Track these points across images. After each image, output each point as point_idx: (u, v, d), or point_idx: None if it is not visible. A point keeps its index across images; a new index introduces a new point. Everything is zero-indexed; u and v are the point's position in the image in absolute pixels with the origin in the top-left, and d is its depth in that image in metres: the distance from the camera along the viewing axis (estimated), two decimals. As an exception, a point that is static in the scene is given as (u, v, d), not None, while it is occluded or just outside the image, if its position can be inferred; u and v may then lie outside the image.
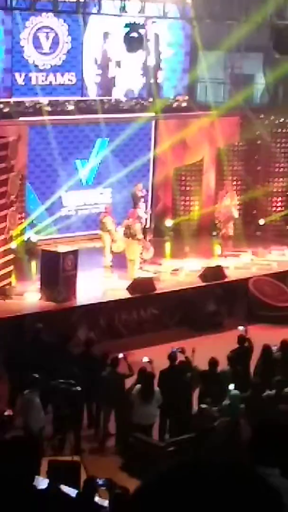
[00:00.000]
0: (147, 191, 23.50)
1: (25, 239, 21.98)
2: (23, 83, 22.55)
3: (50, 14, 22.27)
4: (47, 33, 22.76)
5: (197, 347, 14.94)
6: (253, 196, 25.85)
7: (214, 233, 24.70)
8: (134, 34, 21.17)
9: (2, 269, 18.93)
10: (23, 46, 22.41)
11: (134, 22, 21.32)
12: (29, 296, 18.79)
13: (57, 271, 18.48)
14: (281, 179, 26.02)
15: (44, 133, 22.76)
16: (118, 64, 24.01)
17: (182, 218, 24.90)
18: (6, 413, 12.88)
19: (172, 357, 14.53)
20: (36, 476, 8.08)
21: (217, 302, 20.59)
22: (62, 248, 19.16)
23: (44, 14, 22.27)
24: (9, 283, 19.12)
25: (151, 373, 13.98)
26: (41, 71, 22.81)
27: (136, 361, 14.81)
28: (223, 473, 2.15)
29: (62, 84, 23.27)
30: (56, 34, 22.92)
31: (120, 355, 14.58)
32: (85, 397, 13.97)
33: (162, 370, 14.27)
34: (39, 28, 22.59)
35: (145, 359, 14.36)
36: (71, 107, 23.33)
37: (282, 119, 25.95)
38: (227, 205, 24.62)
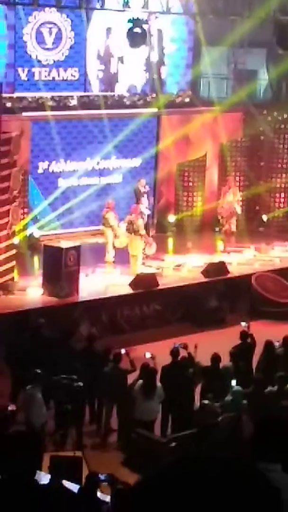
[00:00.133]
0: (150, 187, 23.48)
1: (28, 234, 21.99)
2: (26, 79, 22.54)
3: (53, 9, 22.24)
4: (50, 28, 22.73)
5: (200, 343, 14.92)
6: (256, 192, 25.83)
7: (217, 229, 24.69)
8: (137, 30, 21.16)
9: (5, 264, 18.93)
10: (26, 41, 22.39)
11: (137, 18, 21.30)
12: (32, 291, 18.80)
13: (60, 267, 18.49)
14: (284, 175, 26.01)
15: (47, 128, 22.76)
16: (121, 59, 23.99)
17: (185, 214, 24.89)
18: (9, 408, 12.88)
19: (174, 352, 14.52)
20: (38, 472, 8.08)
21: (220, 298, 20.58)
22: (64, 244, 19.15)
23: (47, 9, 22.25)
24: (12, 278, 19.13)
25: (153, 369, 13.96)
26: (44, 66, 22.79)
27: (138, 356, 14.81)
28: (223, 469, 2.14)
29: (65, 80, 23.25)
30: (59, 30, 22.90)
31: (123, 351, 14.57)
32: (87, 392, 13.98)
33: (164, 366, 14.27)
34: (42, 23, 22.56)
35: (148, 355, 14.35)
36: (74, 103, 23.32)
37: (285, 115, 25.92)
38: (230, 201, 24.61)
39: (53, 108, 22.78)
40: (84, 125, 23.57)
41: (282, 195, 26.17)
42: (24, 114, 22.23)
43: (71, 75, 23.35)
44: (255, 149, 26.12)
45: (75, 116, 23.30)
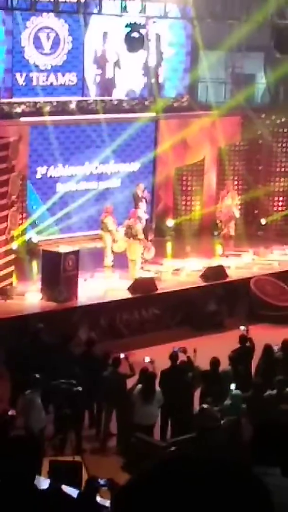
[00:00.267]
0: (149, 192, 23.49)
1: (26, 239, 21.99)
2: (24, 84, 22.55)
3: (51, 14, 22.26)
4: (48, 33, 22.76)
5: (199, 347, 14.93)
6: (254, 196, 25.84)
7: (216, 233, 24.69)
8: (135, 34, 21.16)
9: (3, 269, 18.93)
10: (24, 47, 22.41)
11: (135, 22, 21.31)
12: (30, 296, 18.80)
13: (58, 271, 18.48)
14: (282, 179, 26.01)
15: (46, 133, 22.76)
16: (119, 64, 24.01)
17: (183, 218, 24.90)
18: (9, 413, 12.87)
19: (173, 357, 14.52)
20: (37, 476, 8.07)
21: (219, 302, 20.58)
22: (63, 248, 19.16)
23: (45, 14, 22.26)
24: (10, 284, 19.12)
25: (152, 373, 13.97)
26: (42, 71, 22.81)
27: (137, 361, 14.81)
28: (211, 469, 2.14)
29: (63, 85, 23.27)
30: (57, 34, 22.92)
31: (122, 355, 14.57)
32: (87, 397, 13.96)
33: (164, 370, 14.27)
34: (40, 28, 22.59)
35: (147, 359, 14.35)
36: (72, 107, 23.33)
37: (283, 119, 25.94)
38: (228, 204, 24.61)
39: (51, 113, 22.80)
40: (82, 130, 23.58)
41: (281, 198, 26.18)
42: (22, 119, 22.26)
43: (69, 80, 23.37)
44: (253, 153, 26.13)
45: (73, 121, 23.31)
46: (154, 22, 24.12)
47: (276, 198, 26.16)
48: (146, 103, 24.76)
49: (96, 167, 23.93)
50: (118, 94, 24.33)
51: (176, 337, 18.28)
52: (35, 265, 20.79)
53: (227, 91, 26.53)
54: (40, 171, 23.00)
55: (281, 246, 23.79)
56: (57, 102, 23.10)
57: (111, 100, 24.18)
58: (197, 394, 14.36)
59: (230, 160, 25.60)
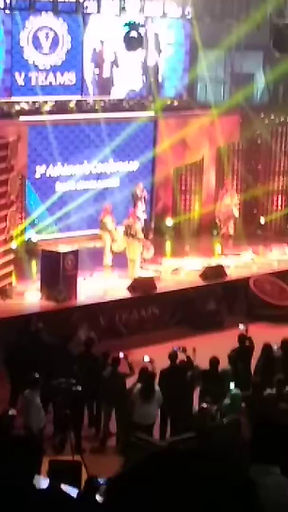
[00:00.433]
0: (148, 191, 23.48)
1: (26, 239, 21.99)
2: (23, 83, 22.54)
3: (50, 14, 22.26)
4: (46, 33, 22.75)
5: (198, 346, 14.93)
6: (253, 195, 25.84)
7: (215, 232, 24.69)
8: (134, 34, 21.17)
9: (3, 269, 18.92)
10: (22, 46, 22.40)
11: (134, 22, 21.31)
12: (30, 296, 18.80)
13: (58, 271, 18.48)
14: (281, 178, 26.02)
15: (45, 132, 22.75)
16: (118, 63, 24.01)
17: (182, 217, 24.88)
18: (10, 413, 12.87)
19: (172, 356, 14.52)
20: (37, 476, 8.07)
21: (218, 301, 20.58)
22: (62, 248, 19.16)
23: (43, 14, 22.27)
24: (10, 283, 19.11)
25: (152, 373, 13.97)
26: (41, 71, 22.80)
27: (137, 360, 14.81)
28: (200, 462, 2.15)
29: (62, 84, 23.26)
30: (56, 34, 22.92)
31: (121, 355, 14.57)
32: (86, 396, 13.97)
33: (163, 370, 14.27)
34: (38, 28, 22.58)
35: (146, 359, 14.35)
36: (71, 107, 23.33)
37: (282, 118, 25.95)
38: (227, 204, 24.61)
39: (50, 113, 22.79)
40: (81, 129, 23.57)
41: (280, 197, 26.19)
42: (21, 118, 22.25)
43: (68, 79, 23.36)
44: (252, 152, 26.13)
45: (72, 121, 23.30)
46: (152, 21, 24.08)
47: (275, 197, 26.16)
48: (145, 102, 24.75)
49: (95, 167, 23.92)
50: (117, 93, 24.32)
51: (176, 336, 18.29)
52: (34, 265, 20.77)
53: (226, 90, 26.53)
54: (39, 170, 23.00)
55: (280, 245, 23.79)
56: (56, 101, 23.10)
57: (110, 99, 24.17)
58: (196, 393, 14.36)
59: (229, 160, 25.59)
